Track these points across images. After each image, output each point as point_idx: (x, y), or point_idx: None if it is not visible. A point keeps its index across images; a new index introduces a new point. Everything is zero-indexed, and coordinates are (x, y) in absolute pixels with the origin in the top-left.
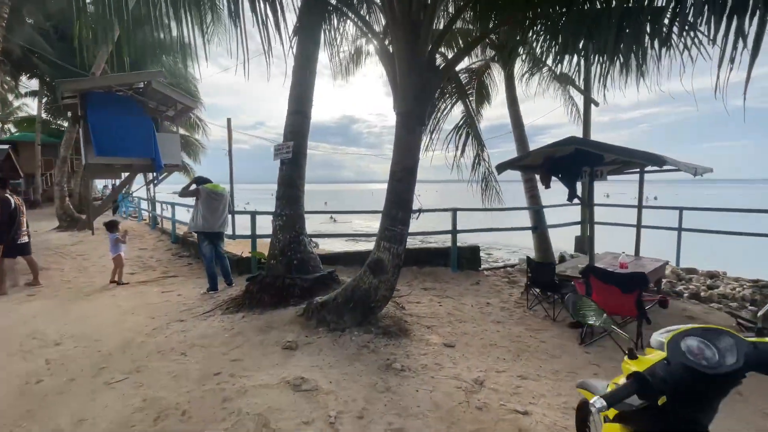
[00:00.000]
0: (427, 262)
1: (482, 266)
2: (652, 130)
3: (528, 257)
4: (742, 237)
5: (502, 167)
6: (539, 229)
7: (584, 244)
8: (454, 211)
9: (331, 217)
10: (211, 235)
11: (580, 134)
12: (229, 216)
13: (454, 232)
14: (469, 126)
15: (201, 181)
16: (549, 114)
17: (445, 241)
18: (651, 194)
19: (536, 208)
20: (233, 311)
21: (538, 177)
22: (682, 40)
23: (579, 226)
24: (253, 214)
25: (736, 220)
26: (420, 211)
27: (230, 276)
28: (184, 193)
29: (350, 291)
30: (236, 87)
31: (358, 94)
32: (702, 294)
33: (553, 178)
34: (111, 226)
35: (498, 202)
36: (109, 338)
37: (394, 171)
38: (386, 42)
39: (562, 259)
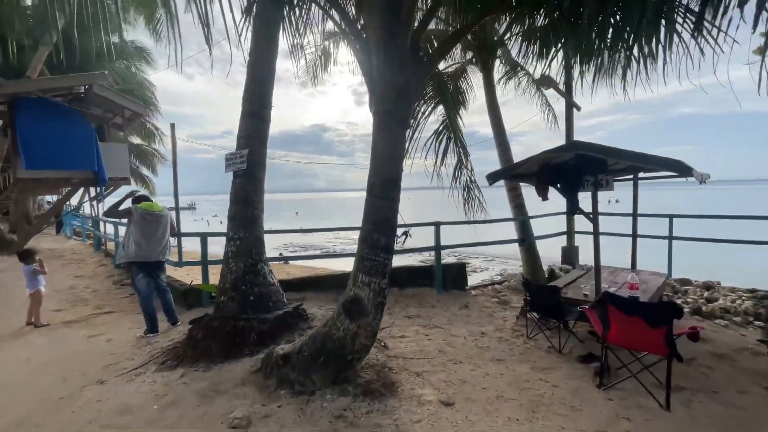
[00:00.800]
0: (409, 283)
1: (468, 284)
2: (608, 137)
3: (525, 278)
4: (723, 244)
5: (494, 177)
6: (527, 241)
7: (572, 255)
8: (437, 225)
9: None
10: (147, 266)
11: (556, 141)
12: (173, 240)
13: (438, 248)
14: (451, 131)
15: (138, 198)
16: (522, 122)
17: (422, 259)
18: (612, 197)
19: (523, 219)
20: (171, 366)
21: (533, 187)
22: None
23: (565, 237)
24: (204, 237)
25: (716, 226)
26: (407, 234)
27: (174, 313)
28: (112, 212)
29: (320, 341)
30: (203, 96)
31: (329, 103)
32: (704, 309)
33: (551, 188)
34: (25, 256)
35: (482, 212)
36: None
37: (372, 184)
38: (359, 26)
39: (552, 273)
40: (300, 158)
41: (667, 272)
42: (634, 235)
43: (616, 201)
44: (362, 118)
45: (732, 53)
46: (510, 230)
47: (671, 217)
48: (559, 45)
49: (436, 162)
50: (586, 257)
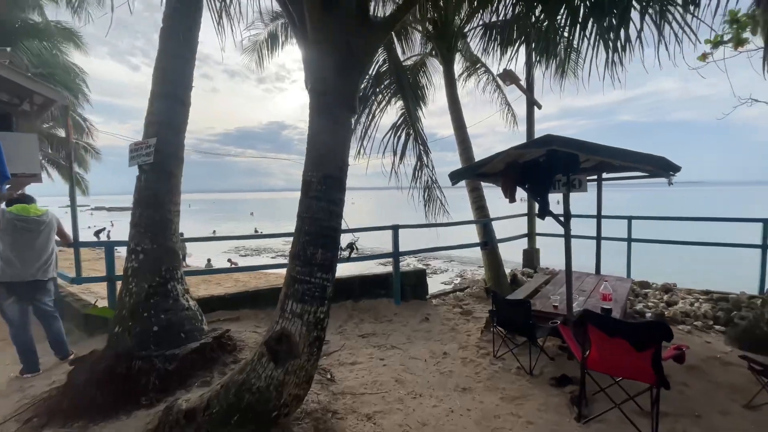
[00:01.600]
0: (364, 294)
1: (429, 293)
2: None
3: (493, 291)
4: (670, 245)
5: (457, 176)
6: (489, 244)
7: (533, 258)
8: (396, 228)
9: (256, 230)
10: (19, 287)
11: (514, 143)
12: (57, 252)
13: (396, 255)
14: (410, 125)
15: (15, 200)
16: (479, 121)
17: (381, 263)
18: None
19: (485, 222)
20: (36, 427)
21: (499, 188)
22: None
23: (526, 239)
24: (110, 246)
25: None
26: (353, 247)
27: (65, 344)
28: None
29: (234, 392)
30: (147, 87)
31: (288, 100)
32: (666, 313)
33: (519, 189)
34: None
35: (443, 214)
36: None
37: (308, 182)
38: None
39: (515, 278)
40: (257, 156)
41: (626, 275)
42: (599, 238)
43: (557, 202)
44: None
45: (664, 68)
46: (471, 233)
47: (630, 218)
48: (522, 38)
49: (394, 160)
50: (547, 260)
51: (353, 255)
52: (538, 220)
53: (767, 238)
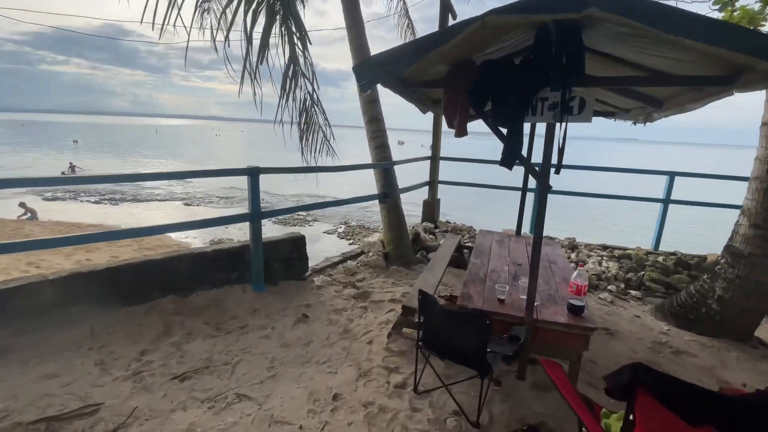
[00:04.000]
0: (199, 282)
1: (309, 268)
2: None
3: (422, 293)
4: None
5: (369, 75)
6: (390, 196)
7: (434, 211)
8: (254, 173)
9: (66, 171)
10: None
11: None
12: None
13: (254, 217)
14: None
15: None
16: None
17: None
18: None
19: (386, 165)
20: None
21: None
22: None
23: (427, 189)
24: None
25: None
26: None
27: None
28: None
29: None
30: None
31: None
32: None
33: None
34: None
35: (328, 153)
36: None
37: None
38: None
39: (417, 238)
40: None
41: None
42: (525, 189)
43: (401, 143)
44: (176, 26)
45: None
46: (364, 179)
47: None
48: None
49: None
50: (448, 213)
51: None
52: (441, 164)
53: (670, 193)
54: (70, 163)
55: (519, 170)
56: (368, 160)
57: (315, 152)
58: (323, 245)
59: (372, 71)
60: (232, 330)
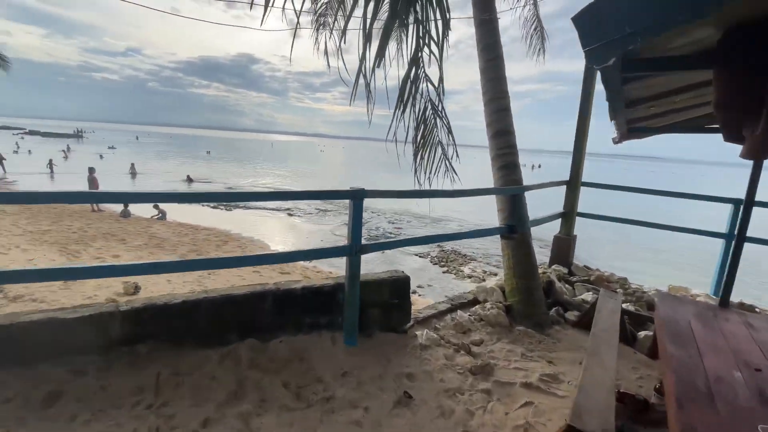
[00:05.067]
0: (281, 326)
1: (412, 317)
2: (535, 104)
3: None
4: None
5: (603, 48)
6: (517, 231)
7: (569, 251)
8: (358, 196)
9: (188, 177)
10: None
11: None
12: None
13: (354, 251)
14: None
15: None
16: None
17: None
18: (531, 162)
19: (516, 191)
20: None
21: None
22: None
23: (559, 222)
24: None
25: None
26: None
27: None
28: None
29: None
30: (101, 3)
31: (260, 31)
32: None
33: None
34: None
35: (446, 175)
36: None
37: None
38: None
39: (550, 288)
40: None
41: (711, 291)
42: (741, 237)
43: (539, 166)
44: (297, 53)
45: None
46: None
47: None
48: None
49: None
50: (584, 254)
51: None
52: (582, 190)
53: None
54: (188, 175)
55: (692, 206)
56: (488, 182)
57: (431, 172)
58: (416, 271)
59: (619, 20)
60: (315, 402)
